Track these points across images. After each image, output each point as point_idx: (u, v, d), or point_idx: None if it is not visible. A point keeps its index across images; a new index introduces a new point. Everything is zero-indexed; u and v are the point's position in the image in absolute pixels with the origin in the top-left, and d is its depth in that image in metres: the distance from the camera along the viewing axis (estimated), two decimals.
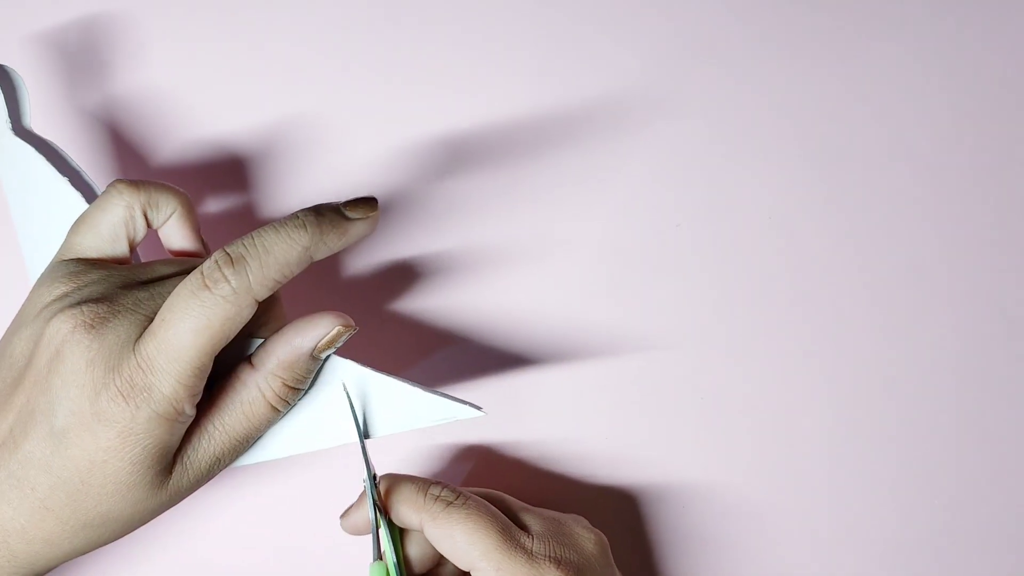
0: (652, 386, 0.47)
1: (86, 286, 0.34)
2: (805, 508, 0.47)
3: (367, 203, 0.35)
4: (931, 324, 0.48)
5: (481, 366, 0.47)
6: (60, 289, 0.34)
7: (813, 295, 0.48)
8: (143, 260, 0.39)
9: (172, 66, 0.49)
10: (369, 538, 0.39)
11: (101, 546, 0.35)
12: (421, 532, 0.38)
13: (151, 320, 0.33)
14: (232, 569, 0.47)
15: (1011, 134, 0.49)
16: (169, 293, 0.34)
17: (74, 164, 0.40)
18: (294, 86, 0.49)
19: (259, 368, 0.35)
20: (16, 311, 0.36)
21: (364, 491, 0.38)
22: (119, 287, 0.34)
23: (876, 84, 0.49)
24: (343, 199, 0.36)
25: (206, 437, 0.35)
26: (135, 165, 0.48)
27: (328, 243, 0.34)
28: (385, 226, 0.48)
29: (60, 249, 0.37)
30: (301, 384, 0.36)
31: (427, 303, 0.48)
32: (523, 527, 0.38)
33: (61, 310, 0.33)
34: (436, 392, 0.37)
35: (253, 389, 0.35)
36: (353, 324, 0.36)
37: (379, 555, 0.37)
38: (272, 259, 0.33)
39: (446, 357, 0.47)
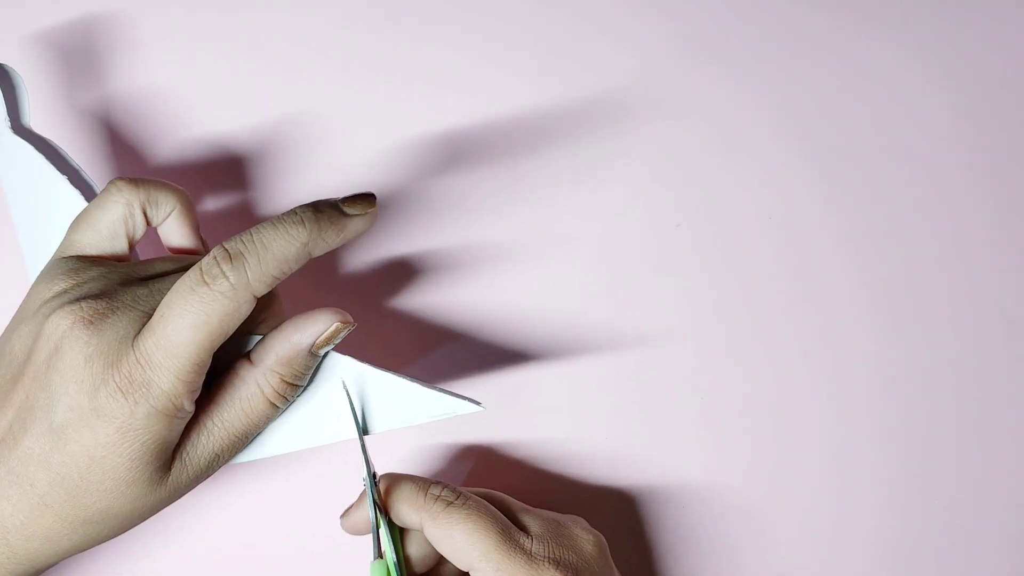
0: (652, 386, 0.47)
1: (85, 283, 0.34)
2: (805, 508, 0.47)
3: (365, 199, 0.35)
4: (931, 324, 0.48)
5: (480, 364, 0.47)
6: (59, 286, 0.34)
7: (813, 295, 0.48)
8: (142, 258, 0.39)
9: (171, 66, 0.49)
10: (368, 536, 0.39)
11: (100, 543, 0.35)
12: (421, 532, 0.38)
13: (150, 316, 0.33)
14: (231, 565, 0.47)
15: (1011, 134, 0.49)
16: (168, 290, 0.34)
17: (73, 163, 0.40)
18: (294, 86, 0.49)
19: (258, 364, 0.35)
20: (16, 309, 0.36)
21: (364, 491, 0.38)
22: (118, 284, 0.34)
23: (876, 84, 0.49)
24: (341, 196, 0.36)
25: (205, 433, 0.35)
26: (134, 164, 0.49)
27: (326, 239, 0.34)
28: (385, 224, 0.48)
29: (59, 246, 0.37)
30: (300, 380, 0.36)
31: (426, 300, 0.48)
32: (523, 528, 0.38)
33: (60, 306, 0.33)
34: (435, 388, 0.37)
35: (252, 385, 0.35)
36: (352, 320, 0.36)
37: (379, 554, 0.37)
38: (270, 255, 0.33)
39: (445, 355, 0.47)
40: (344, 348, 0.37)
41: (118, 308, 0.33)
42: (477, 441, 0.47)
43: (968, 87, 0.49)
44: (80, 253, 0.37)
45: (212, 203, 0.48)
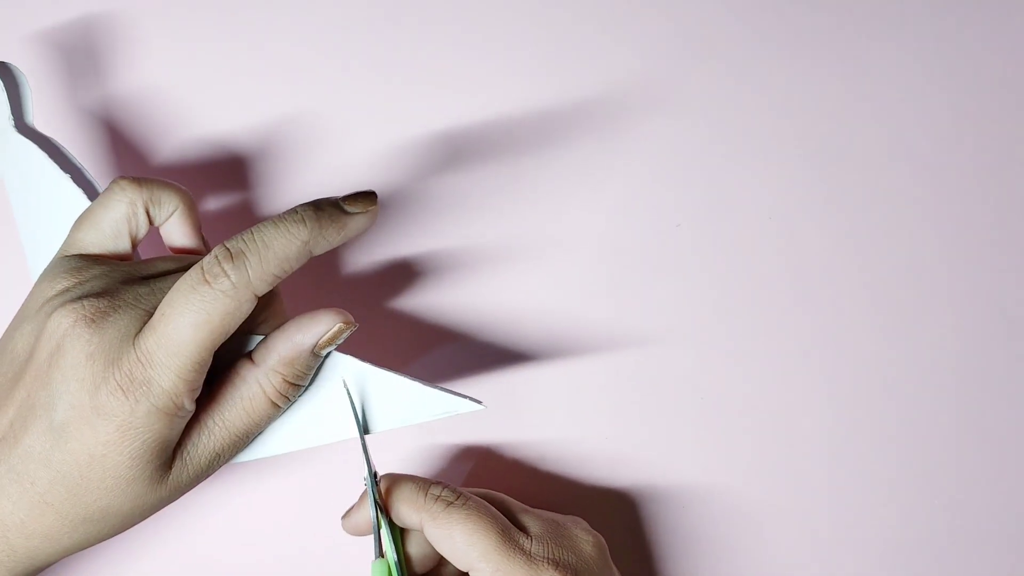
0: (652, 386, 0.47)
1: (87, 281, 0.34)
2: (805, 508, 0.47)
3: (366, 197, 0.35)
4: (931, 324, 0.48)
5: (481, 364, 0.47)
6: (62, 284, 0.34)
7: (813, 295, 0.48)
8: (144, 257, 0.39)
9: (172, 65, 0.49)
10: (369, 536, 0.39)
11: (100, 541, 0.35)
12: (421, 532, 0.38)
13: (151, 315, 0.33)
14: (232, 565, 0.47)
15: (1011, 134, 0.49)
16: (169, 288, 0.34)
17: (76, 161, 0.40)
18: (294, 86, 0.49)
19: (260, 364, 0.35)
20: (18, 307, 0.36)
21: (365, 491, 0.38)
22: (120, 282, 0.34)
23: (876, 84, 0.49)
24: (342, 194, 0.36)
25: (206, 432, 0.35)
26: (135, 164, 0.49)
27: (327, 238, 0.34)
28: (385, 224, 0.48)
29: (62, 245, 0.37)
30: (301, 380, 0.36)
31: (427, 300, 0.48)
32: (522, 528, 0.38)
33: (62, 305, 0.33)
34: (436, 386, 0.37)
35: (253, 385, 0.35)
36: (354, 321, 0.36)
37: (380, 553, 0.37)
38: (271, 254, 0.33)
39: (446, 354, 0.47)
40: (344, 347, 0.37)
41: (119, 307, 0.33)
42: (477, 441, 0.47)
43: (968, 87, 0.50)
44: (83, 252, 0.37)
45: (213, 203, 0.48)
